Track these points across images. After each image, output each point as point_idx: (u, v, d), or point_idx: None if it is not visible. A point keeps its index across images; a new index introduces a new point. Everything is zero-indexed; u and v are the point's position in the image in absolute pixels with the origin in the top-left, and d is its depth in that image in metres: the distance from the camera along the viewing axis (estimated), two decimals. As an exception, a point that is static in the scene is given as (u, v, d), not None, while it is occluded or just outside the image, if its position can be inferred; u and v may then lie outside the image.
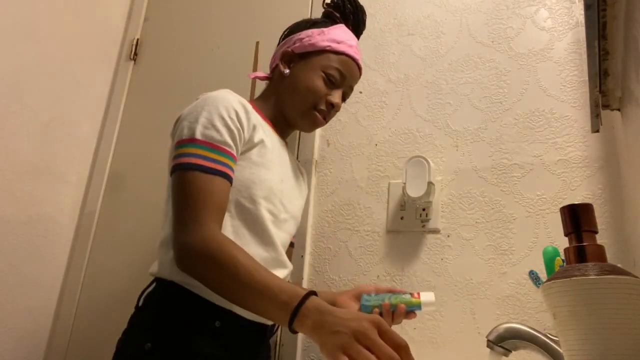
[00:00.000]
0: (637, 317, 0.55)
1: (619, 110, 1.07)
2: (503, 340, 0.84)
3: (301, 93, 1.05)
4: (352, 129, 1.46)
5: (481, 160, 1.28)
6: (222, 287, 0.79)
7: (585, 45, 0.93)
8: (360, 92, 1.48)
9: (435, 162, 1.31)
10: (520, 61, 1.32)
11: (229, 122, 0.90)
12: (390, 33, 1.51)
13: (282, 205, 1.00)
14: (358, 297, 1.00)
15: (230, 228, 0.91)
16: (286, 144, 1.14)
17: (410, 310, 0.94)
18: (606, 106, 1.06)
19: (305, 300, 0.71)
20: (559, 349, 0.78)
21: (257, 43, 1.66)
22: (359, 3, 1.20)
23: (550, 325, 1.07)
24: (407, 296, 0.95)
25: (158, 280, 0.91)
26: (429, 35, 1.46)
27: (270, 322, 0.96)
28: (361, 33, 1.21)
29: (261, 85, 1.21)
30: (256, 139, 0.96)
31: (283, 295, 0.73)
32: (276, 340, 1.31)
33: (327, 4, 1.19)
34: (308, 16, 1.61)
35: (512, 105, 1.29)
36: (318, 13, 1.60)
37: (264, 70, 1.24)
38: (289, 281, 1.09)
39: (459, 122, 1.34)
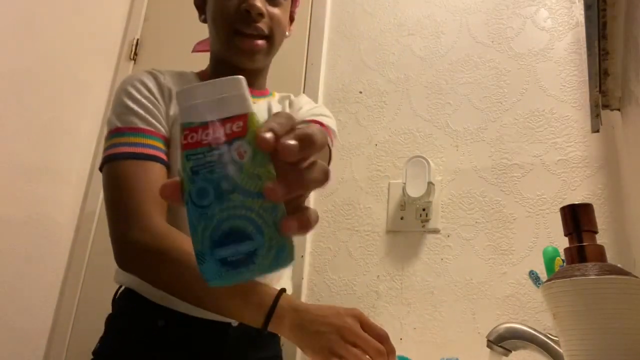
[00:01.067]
0: (637, 317, 0.55)
1: (619, 110, 1.07)
2: (503, 340, 0.84)
3: (214, 26, 0.87)
4: (352, 129, 1.46)
5: (481, 160, 1.28)
6: (177, 287, 0.70)
7: (585, 45, 0.93)
8: (360, 92, 1.48)
9: (435, 162, 1.31)
10: (520, 61, 1.32)
11: (144, 101, 0.80)
12: (390, 33, 1.51)
13: None
14: None
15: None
16: (256, 93, 0.94)
17: None
18: (606, 106, 1.06)
19: (279, 299, 0.66)
20: (559, 349, 0.78)
21: (257, 43, 1.65)
22: None
23: (550, 325, 1.07)
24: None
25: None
26: (429, 35, 1.46)
27: (232, 321, 0.83)
28: None
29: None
30: (172, 111, 0.83)
31: (254, 295, 0.66)
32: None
33: None
34: (308, 17, 1.61)
35: (512, 105, 1.29)
36: (318, 13, 1.61)
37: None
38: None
39: (459, 122, 1.34)
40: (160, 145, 0.79)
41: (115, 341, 0.83)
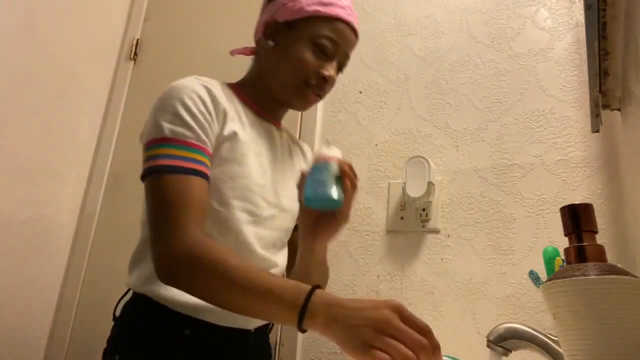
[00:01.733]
0: (637, 317, 0.55)
1: (619, 110, 1.07)
2: (503, 340, 0.84)
3: (289, 68, 0.91)
4: (352, 129, 1.46)
5: (481, 160, 1.28)
6: (217, 295, 0.71)
7: (585, 45, 0.93)
8: (360, 92, 1.48)
9: (435, 162, 1.31)
10: (520, 61, 1.32)
11: (198, 115, 0.81)
12: (390, 33, 1.51)
13: (264, 201, 0.89)
14: None
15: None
16: (278, 126, 1.01)
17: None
18: (606, 106, 1.06)
19: (311, 296, 0.64)
20: (559, 349, 0.78)
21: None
22: None
23: (550, 325, 1.07)
24: (334, 166, 0.88)
25: (133, 291, 0.88)
26: (429, 35, 1.46)
27: (251, 327, 0.90)
28: None
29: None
30: (226, 132, 0.85)
31: (286, 294, 0.66)
32: (276, 340, 1.31)
33: None
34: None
35: (512, 105, 1.29)
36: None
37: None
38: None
39: (459, 122, 1.34)
40: (206, 160, 0.80)
41: (141, 352, 0.82)
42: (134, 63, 1.88)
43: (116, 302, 0.92)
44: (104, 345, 0.89)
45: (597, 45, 0.88)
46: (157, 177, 0.78)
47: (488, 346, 0.85)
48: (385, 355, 0.57)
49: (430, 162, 1.25)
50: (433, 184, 1.26)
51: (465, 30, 1.42)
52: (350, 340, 0.60)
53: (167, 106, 0.82)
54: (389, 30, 1.52)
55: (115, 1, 1.92)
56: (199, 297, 0.74)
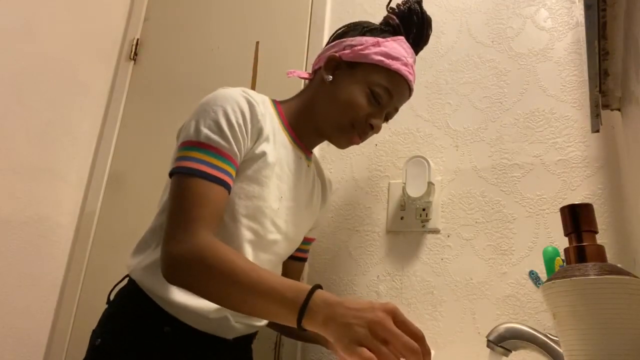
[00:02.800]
0: (637, 317, 0.55)
1: (619, 110, 1.07)
2: (503, 340, 0.84)
3: (340, 106, 0.95)
4: (352, 129, 1.46)
5: (481, 160, 1.28)
6: (221, 294, 0.74)
7: (585, 45, 0.93)
8: (360, 92, 1.48)
9: (435, 162, 1.31)
10: (520, 61, 1.32)
11: (236, 127, 0.84)
12: (390, 33, 1.51)
13: (273, 225, 0.92)
14: None
15: None
16: (309, 155, 1.04)
17: None
18: (606, 106, 1.06)
19: (312, 295, 0.66)
20: (559, 349, 0.78)
21: (257, 43, 1.66)
22: (426, 15, 1.06)
23: (550, 325, 1.07)
24: None
25: (129, 278, 0.91)
26: (429, 35, 1.45)
27: (230, 336, 0.92)
28: (421, 49, 1.08)
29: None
30: (257, 150, 0.88)
31: (288, 293, 0.68)
32: (276, 341, 1.31)
33: (391, 8, 1.06)
34: (308, 16, 1.61)
35: (512, 105, 1.29)
36: (318, 13, 1.61)
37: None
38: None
39: (459, 122, 1.34)
40: (232, 172, 0.84)
41: (120, 339, 0.84)
42: (134, 63, 1.88)
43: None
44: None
45: (597, 45, 0.88)
46: (183, 178, 0.81)
47: (488, 346, 0.85)
48: (371, 355, 0.59)
49: (430, 162, 1.25)
50: (433, 184, 1.26)
51: (465, 30, 1.42)
52: (342, 337, 0.62)
53: (209, 112, 0.85)
54: (389, 30, 1.51)
55: (115, 1, 1.92)
56: (203, 296, 0.76)
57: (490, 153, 1.27)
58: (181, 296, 0.84)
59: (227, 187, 0.82)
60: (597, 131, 1.07)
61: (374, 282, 1.28)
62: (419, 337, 0.62)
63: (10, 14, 1.50)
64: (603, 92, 1.01)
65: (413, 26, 1.02)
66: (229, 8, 1.80)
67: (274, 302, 0.69)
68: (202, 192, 0.79)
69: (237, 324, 0.91)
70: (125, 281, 0.94)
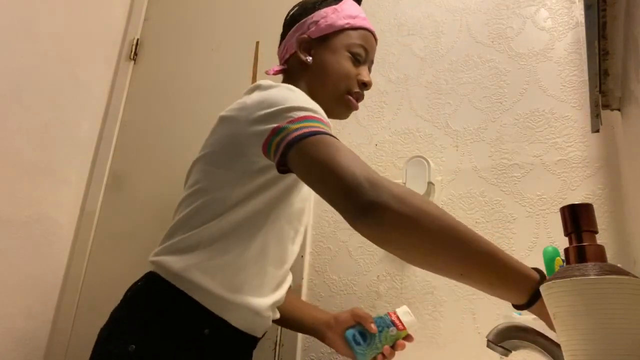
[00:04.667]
0: (637, 317, 0.55)
1: (619, 110, 1.07)
2: (503, 340, 0.84)
3: (332, 79, 0.98)
4: (352, 129, 1.46)
5: (481, 160, 1.28)
6: (438, 251, 0.65)
7: (585, 45, 0.93)
8: (360, 92, 1.48)
9: (435, 162, 1.31)
10: (520, 61, 1.32)
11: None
12: (390, 33, 1.51)
13: (299, 222, 0.96)
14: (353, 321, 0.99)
15: (260, 244, 0.86)
16: None
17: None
18: (606, 106, 1.06)
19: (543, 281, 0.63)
20: (559, 349, 0.78)
21: (257, 43, 1.66)
22: None
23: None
24: (394, 330, 0.96)
25: (153, 276, 0.86)
26: (429, 35, 1.46)
27: (259, 335, 0.92)
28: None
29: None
30: None
31: (523, 269, 0.65)
32: (276, 340, 1.31)
33: None
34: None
35: (512, 105, 1.29)
36: (318, 13, 1.61)
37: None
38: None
39: (459, 122, 1.34)
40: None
41: (159, 345, 0.81)
42: (134, 63, 1.88)
43: (116, 301, 0.91)
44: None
45: (597, 45, 0.88)
46: (313, 139, 0.72)
47: (488, 346, 0.85)
48: None
49: (430, 162, 1.25)
50: (433, 184, 1.26)
51: (465, 30, 1.42)
52: None
53: (295, 97, 0.81)
54: (389, 30, 1.52)
55: (115, 1, 1.92)
56: (411, 250, 0.66)
57: (490, 153, 1.27)
58: (238, 296, 0.84)
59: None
60: (597, 131, 1.07)
61: (374, 282, 1.28)
62: None
63: (10, 13, 1.50)
64: (603, 92, 1.01)
65: None
66: (229, 8, 1.80)
67: (505, 272, 0.65)
68: (341, 145, 0.73)
69: (270, 320, 0.94)
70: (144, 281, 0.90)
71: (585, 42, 0.91)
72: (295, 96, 0.83)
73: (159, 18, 1.93)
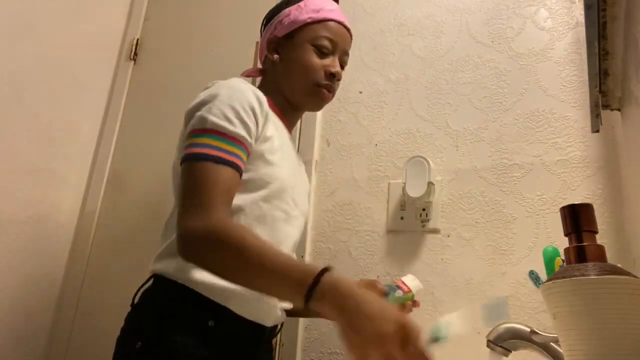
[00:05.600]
0: (637, 317, 0.55)
1: (619, 110, 1.07)
2: (503, 340, 0.84)
3: (298, 73, 1.01)
4: (352, 129, 1.46)
5: (481, 160, 1.28)
6: (231, 270, 0.76)
7: (585, 45, 0.93)
8: (360, 92, 1.48)
9: (435, 162, 1.31)
10: (520, 61, 1.32)
11: (243, 115, 0.88)
12: (390, 33, 1.51)
13: (293, 201, 0.98)
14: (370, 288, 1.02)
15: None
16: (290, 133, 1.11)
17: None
18: (606, 106, 1.06)
19: (321, 278, 0.66)
20: (559, 349, 0.78)
21: (257, 43, 1.66)
22: None
23: (550, 325, 1.07)
24: (400, 292, 1.01)
25: (157, 277, 0.90)
26: (429, 35, 1.46)
27: (269, 324, 0.94)
28: None
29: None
30: (268, 134, 0.93)
31: (295, 273, 0.69)
32: (276, 340, 1.31)
33: None
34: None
35: (512, 105, 1.29)
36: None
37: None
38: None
39: (459, 122, 1.34)
40: (241, 154, 0.87)
41: (164, 339, 0.84)
42: (134, 63, 1.88)
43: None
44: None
45: (597, 45, 0.88)
46: (192, 163, 0.83)
47: (488, 346, 0.85)
48: None
49: (430, 162, 1.25)
50: (433, 184, 1.26)
51: (465, 30, 1.42)
52: (350, 338, 0.62)
53: (215, 102, 0.88)
54: (389, 30, 1.52)
55: (115, 1, 1.92)
56: (217, 273, 0.77)
57: (490, 153, 1.27)
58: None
59: (236, 168, 0.85)
60: (597, 131, 1.07)
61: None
62: None
63: (10, 14, 1.50)
64: (603, 92, 1.01)
65: None
66: (229, 8, 1.80)
67: (282, 281, 0.70)
68: (210, 173, 0.82)
69: (278, 309, 0.95)
70: (150, 283, 0.92)
71: (585, 42, 0.91)
72: (210, 101, 0.89)
73: (159, 18, 1.93)
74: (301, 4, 1.04)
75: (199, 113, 0.88)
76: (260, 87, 1.09)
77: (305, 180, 1.12)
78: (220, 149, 0.84)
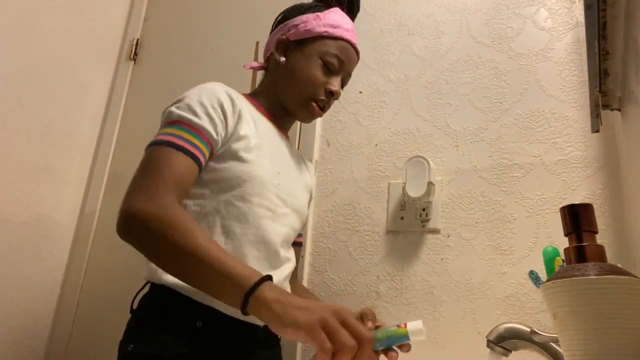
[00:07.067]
0: (637, 317, 0.55)
1: (619, 110, 1.07)
2: (503, 340, 0.84)
3: (299, 83, 1.01)
4: (352, 129, 1.46)
5: (481, 160, 1.28)
6: (174, 259, 0.75)
7: (585, 45, 0.93)
8: (360, 92, 1.48)
9: (435, 162, 1.31)
10: (520, 61, 1.32)
11: (210, 110, 0.88)
12: (390, 33, 1.51)
13: (279, 199, 0.96)
14: None
15: (220, 229, 0.88)
16: (287, 136, 1.10)
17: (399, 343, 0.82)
18: (606, 106, 1.06)
19: (262, 284, 0.68)
20: (559, 349, 0.78)
21: (257, 43, 1.66)
22: None
23: (550, 325, 1.07)
24: (393, 327, 0.87)
25: (151, 283, 0.91)
26: (429, 35, 1.46)
27: (261, 322, 0.93)
28: (356, 15, 1.14)
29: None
30: (242, 132, 0.92)
31: (235, 273, 0.69)
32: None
33: None
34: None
35: (512, 105, 1.29)
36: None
37: (262, 71, 1.23)
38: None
39: (459, 122, 1.34)
40: (202, 146, 0.86)
41: (153, 340, 0.84)
42: (134, 63, 1.88)
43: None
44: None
45: (597, 45, 0.88)
46: (153, 147, 0.85)
47: (488, 346, 0.85)
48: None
49: (430, 162, 1.25)
50: (433, 184, 1.26)
51: (465, 30, 1.42)
52: (285, 318, 0.64)
53: (184, 98, 0.90)
54: (389, 30, 1.52)
55: (115, 1, 1.92)
56: (154, 258, 0.78)
57: (490, 153, 1.27)
58: None
59: (194, 158, 0.85)
60: (597, 131, 1.07)
61: (374, 282, 1.29)
62: (361, 340, 0.63)
63: (10, 14, 1.50)
64: (603, 92, 1.01)
65: None
66: (228, 8, 1.80)
67: (220, 278, 0.70)
68: (165, 157, 0.82)
69: None
70: (147, 288, 0.93)
71: (585, 42, 0.91)
72: (179, 99, 0.91)
73: (159, 18, 1.93)
74: (320, 14, 1.04)
75: (168, 109, 0.91)
76: (259, 84, 1.10)
77: (302, 179, 1.10)
78: (183, 139, 0.85)
